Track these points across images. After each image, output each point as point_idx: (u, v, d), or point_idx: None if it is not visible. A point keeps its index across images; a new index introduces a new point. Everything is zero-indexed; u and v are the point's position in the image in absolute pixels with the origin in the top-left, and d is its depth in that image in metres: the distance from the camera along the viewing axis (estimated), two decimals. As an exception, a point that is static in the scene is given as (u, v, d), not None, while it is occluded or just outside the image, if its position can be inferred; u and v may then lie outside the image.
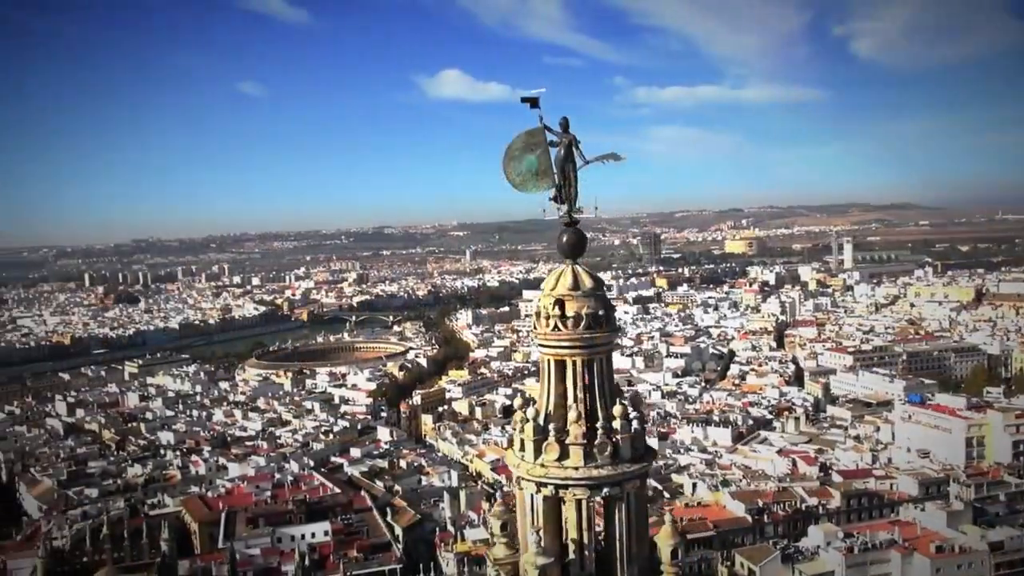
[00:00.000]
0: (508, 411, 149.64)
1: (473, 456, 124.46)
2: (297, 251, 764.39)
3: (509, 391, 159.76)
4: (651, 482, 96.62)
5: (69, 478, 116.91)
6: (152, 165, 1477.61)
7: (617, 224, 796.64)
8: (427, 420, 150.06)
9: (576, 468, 17.64)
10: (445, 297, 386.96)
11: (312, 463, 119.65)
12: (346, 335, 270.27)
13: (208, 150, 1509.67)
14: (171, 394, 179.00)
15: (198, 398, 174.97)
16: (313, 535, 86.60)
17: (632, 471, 17.87)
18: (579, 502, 17.78)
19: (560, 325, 18.46)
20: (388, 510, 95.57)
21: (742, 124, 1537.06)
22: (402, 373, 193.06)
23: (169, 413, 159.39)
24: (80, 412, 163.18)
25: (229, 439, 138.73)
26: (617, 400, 18.58)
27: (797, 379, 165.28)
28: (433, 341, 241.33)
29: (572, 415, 18.13)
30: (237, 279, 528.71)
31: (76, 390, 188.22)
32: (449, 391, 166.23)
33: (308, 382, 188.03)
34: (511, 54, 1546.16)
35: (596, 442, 17.68)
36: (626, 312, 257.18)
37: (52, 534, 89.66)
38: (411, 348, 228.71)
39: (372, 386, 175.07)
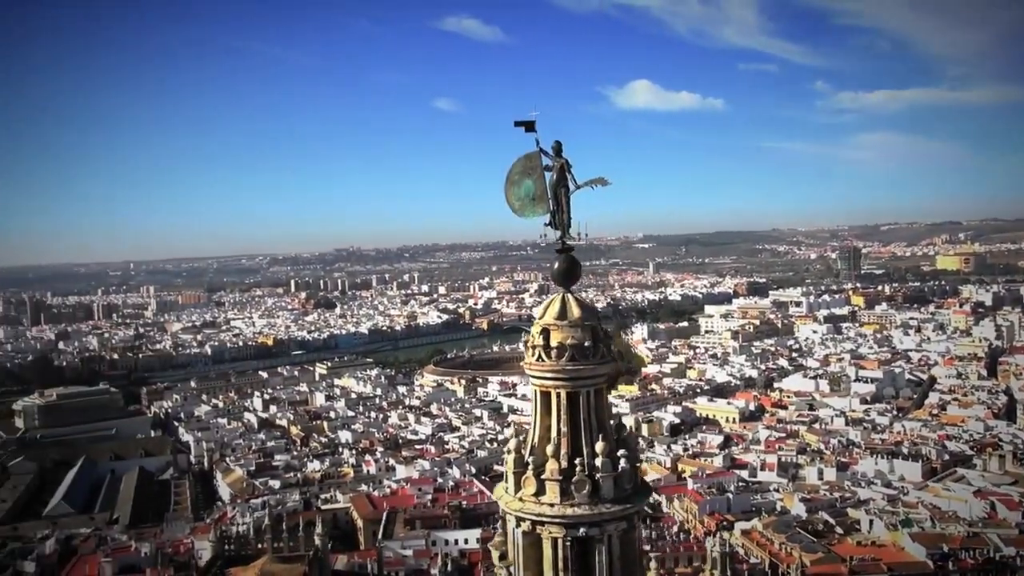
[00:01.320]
0: (676, 430, 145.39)
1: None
2: (483, 261, 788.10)
3: (678, 409, 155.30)
4: (822, 515, 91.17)
5: (257, 469, 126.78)
6: (355, 179, 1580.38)
7: (815, 237, 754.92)
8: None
9: (552, 505, 16.82)
10: (624, 310, 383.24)
11: (474, 470, 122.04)
12: (521, 345, 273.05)
13: (404, 165, 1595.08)
14: (353, 395, 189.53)
15: (377, 400, 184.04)
16: (466, 541, 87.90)
17: (613, 512, 16.66)
18: (555, 540, 16.50)
19: (544, 355, 17.82)
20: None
21: (961, 129, 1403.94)
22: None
23: (350, 413, 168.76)
24: (273, 408, 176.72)
25: (400, 441, 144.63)
26: (600, 436, 17.25)
27: (1008, 413, 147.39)
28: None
29: (550, 449, 17.26)
30: (425, 287, 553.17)
31: (272, 388, 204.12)
32: (616, 406, 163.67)
33: (480, 390, 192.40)
34: (703, 62, 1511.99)
35: (574, 479, 16.77)
36: (814, 331, 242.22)
37: (235, 520, 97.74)
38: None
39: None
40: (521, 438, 18.46)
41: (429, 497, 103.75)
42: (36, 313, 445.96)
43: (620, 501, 16.97)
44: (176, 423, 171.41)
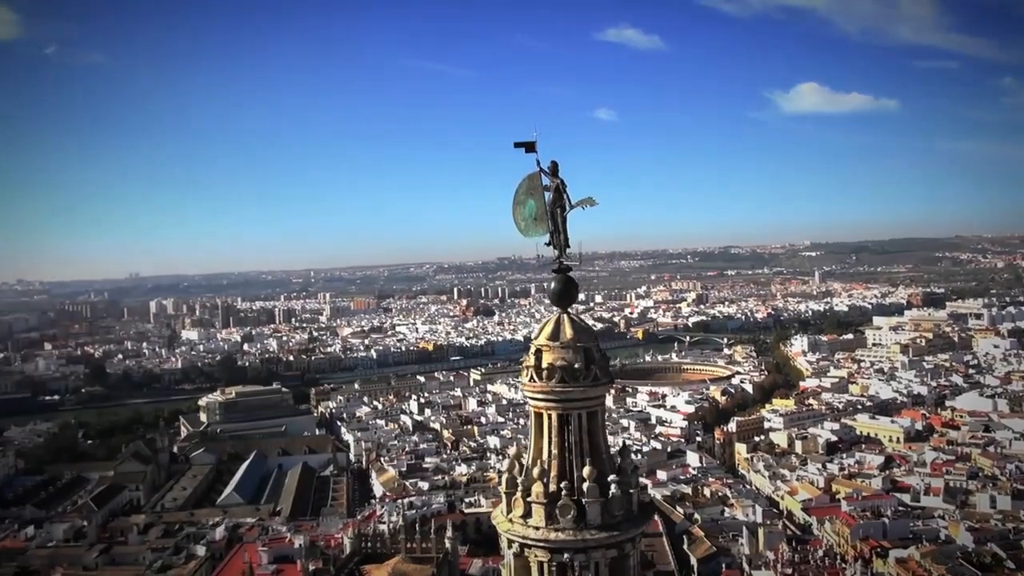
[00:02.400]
0: (832, 447, 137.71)
1: (784, 492, 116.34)
2: (642, 270, 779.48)
3: (836, 426, 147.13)
4: (991, 547, 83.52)
5: (408, 470, 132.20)
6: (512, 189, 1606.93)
7: (1003, 244, 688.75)
8: (741, 449, 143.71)
9: (537, 528, 16.63)
10: (786, 321, 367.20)
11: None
12: (674, 355, 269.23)
13: (564, 174, 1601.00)
14: (504, 401, 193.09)
15: (525, 408, 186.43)
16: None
17: (599, 539, 16.22)
18: (541, 564, 16.43)
19: (536, 376, 17.73)
20: (684, 538, 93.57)
21: None
22: (724, 398, 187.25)
23: (499, 419, 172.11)
24: (428, 412, 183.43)
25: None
26: (589, 460, 16.95)
27: None
28: (762, 366, 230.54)
29: (536, 471, 17.14)
30: (581, 296, 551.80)
31: (428, 392, 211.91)
32: (769, 420, 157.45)
33: (628, 400, 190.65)
34: (874, 62, 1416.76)
35: (559, 503, 16.54)
36: (995, 346, 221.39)
37: (383, 518, 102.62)
38: (738, 372, 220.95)
39: (690, 409, 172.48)
40: (516, 458, 18.41)
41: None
42: (226, 317, 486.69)
43: (608, 528, 16.54)
44: (339, 423, 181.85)
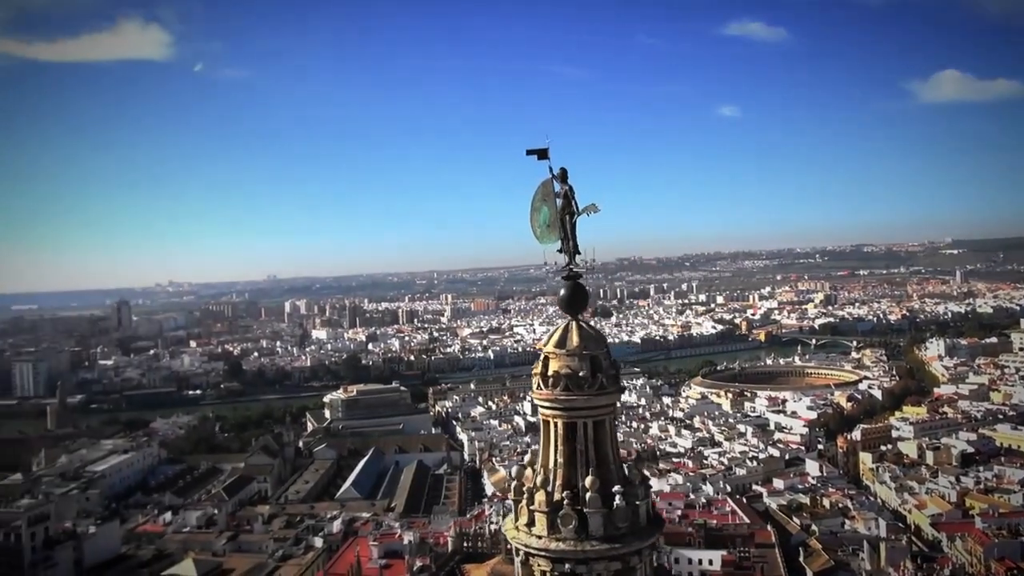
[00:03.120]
0: (968, 459, 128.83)
1: (912, 506, 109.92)
2: (767, 270, 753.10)
3: (973, 436, 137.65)
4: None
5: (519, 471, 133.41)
6: (638, 189, 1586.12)
7: None
8: (866, 459, 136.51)
9: (540, 537, 16.49)
10: (921, 323, 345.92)
11: (729, 488, 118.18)
12: (797, 359, 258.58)
13: (687, 173, 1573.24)
14: (618, 404, 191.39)
15: (640, 411, 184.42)
16: (711, 562, 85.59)
17: (599, 550, 15.92)
18: (543, 573, 16.35)
19: (542, 384, 17.64)
20: (800, 550, 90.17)
21: None
22: (849, 404, 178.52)
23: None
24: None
25: (659, 453, 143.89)
26: (593, 470, 16.70)
27: None
28: (893, 371, 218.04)
29: (539, 479, 17.02)
30: (703, 297, 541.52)
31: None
32: (898, 429, 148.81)
33: (747, 405, 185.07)
34: (1021, 46, 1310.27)
35: (560, 512, 16.36)
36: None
37: (490, 518, 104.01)
38: (866, 377, 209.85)
39: (812, 415, 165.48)
40: (528, 466, 18.45)
41: (679, 512, 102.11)
42: (353, 317, 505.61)
43: (611, 540, 16.17)
44: (454, 422, 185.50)
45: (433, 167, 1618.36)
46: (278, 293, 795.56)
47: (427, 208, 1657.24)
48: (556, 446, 17.68)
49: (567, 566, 16.33)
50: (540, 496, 17.02)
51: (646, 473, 20.10)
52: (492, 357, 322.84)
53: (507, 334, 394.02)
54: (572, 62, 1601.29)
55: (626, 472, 18.12)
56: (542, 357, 18.43)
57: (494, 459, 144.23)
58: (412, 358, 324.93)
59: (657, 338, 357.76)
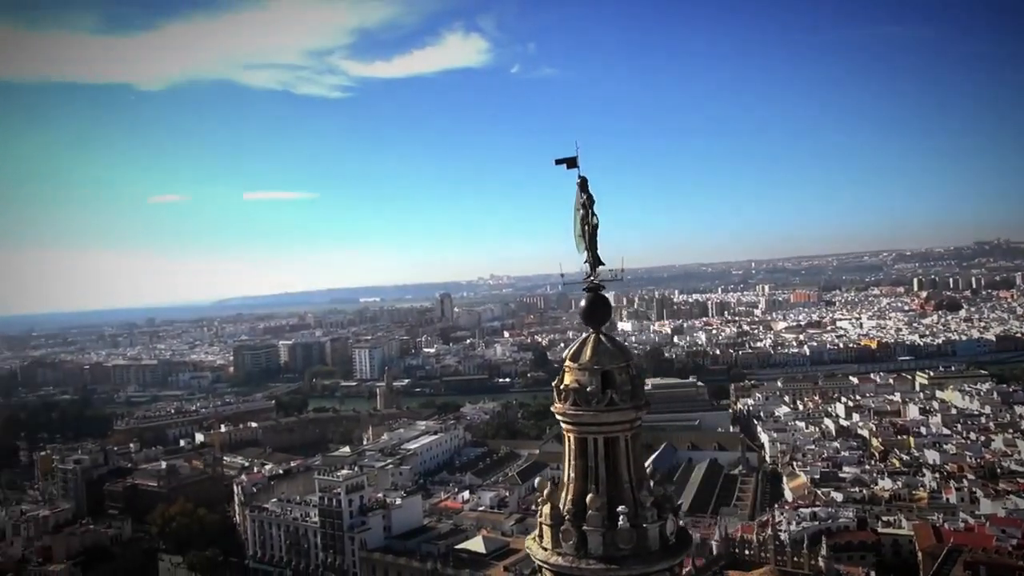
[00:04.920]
0: None
1: None
2: None
3: None
4: None
5: (822, 477, 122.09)
6: (1002, 162, 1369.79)
7: None
8: None
9: (545, 550, 16.66)
10: None
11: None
12: None
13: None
14: (953, 411, 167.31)
15: (983, 420, 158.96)
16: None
17: (596, 570, 15.69)
18: None
19: (558, 396, 17.55)
20: None
21: None
22: None
23: (944, 431, 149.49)
24: (855, 417, 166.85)
25: (999, 471, 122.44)
26: (598, 489, 16.49)
27: None
28: None
29: (546, 492, 17.43)
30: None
31: (860, 395, 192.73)
32: None
33: None
34: None
35: (561, 528, 16.50)
36: None
37: (781, 525, 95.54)
38: None
39: None
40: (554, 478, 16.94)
41: (1014, 542, 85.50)
42: (660, 309, 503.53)
43: (610, 561, 15.81)
44: (755, 421, 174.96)
45: (745, 154, 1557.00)
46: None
47: (743, 196, 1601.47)
48: (570, 460, 17.55)
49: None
50: (546, 509, 17.20)
51: (670, 496, 18.13)
52: (808, 353, 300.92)
53: (828, 328, 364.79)
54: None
55: (637, 493, 17.07)
56: (563, 369, 18.16)
57: (795, 463, 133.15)
58: (718, 352, 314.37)
59: (1017, 335, 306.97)
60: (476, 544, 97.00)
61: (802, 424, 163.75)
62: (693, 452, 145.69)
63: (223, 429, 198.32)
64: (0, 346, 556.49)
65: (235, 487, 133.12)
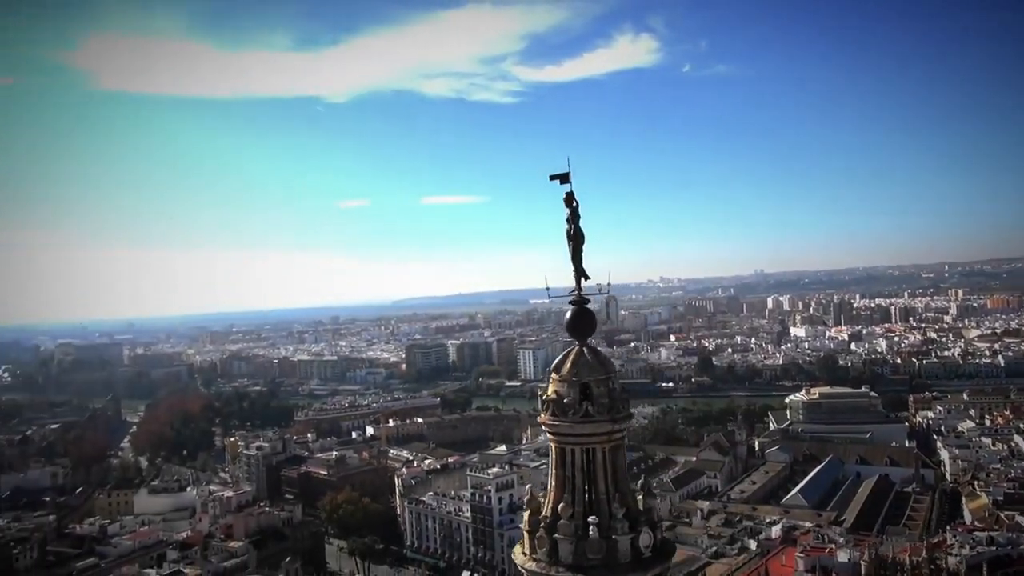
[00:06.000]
0: None
1: None
2: None
3: None
4: None
5: (1006, 499, 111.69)
6: None
7: None
8: None
9: (524, 556, 17.20)
10: None
11: None
12: None
13: None
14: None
15: None
16: None
17: None
18: None
19: (541, 407, 18.05)
20: None
21: None
22: None
23: None
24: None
25: None
26: (570, 499, 17.04)
27: None
28: None
29: (526, 499, 18.09)
30: None
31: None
32: None
33: None
34: None
35: (536, 535, 16.97)
36: None
37: (951, 548, 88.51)
38: None
39: None
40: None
41: None
42: (838, 314, 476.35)
43: (578, 570, 16.15)
44: (935, 436, 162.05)
45: (936, 147, 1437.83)
46: (763, 288, 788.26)
47: (935, 194, 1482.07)
48: (552, 470, 17.93)
49: (539, 588, 16.75)
50: (526, 515, 17.70)
51: (650, 510, 18.05)
52: (1002, 364, 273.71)
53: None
54: None
55: (610, 505, 17.20)
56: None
57: (977, 483, 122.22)
58: (899, 361, 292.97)
59: None
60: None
61: (988, 440, 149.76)
62: (861, 466, 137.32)
63: (391, 423, 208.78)
64: (204, 341, 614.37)
65: (396, 479, 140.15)
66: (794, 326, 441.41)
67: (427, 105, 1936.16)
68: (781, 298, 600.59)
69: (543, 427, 18.15)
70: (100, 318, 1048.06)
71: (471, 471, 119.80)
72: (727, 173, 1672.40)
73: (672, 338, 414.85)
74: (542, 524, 16.95)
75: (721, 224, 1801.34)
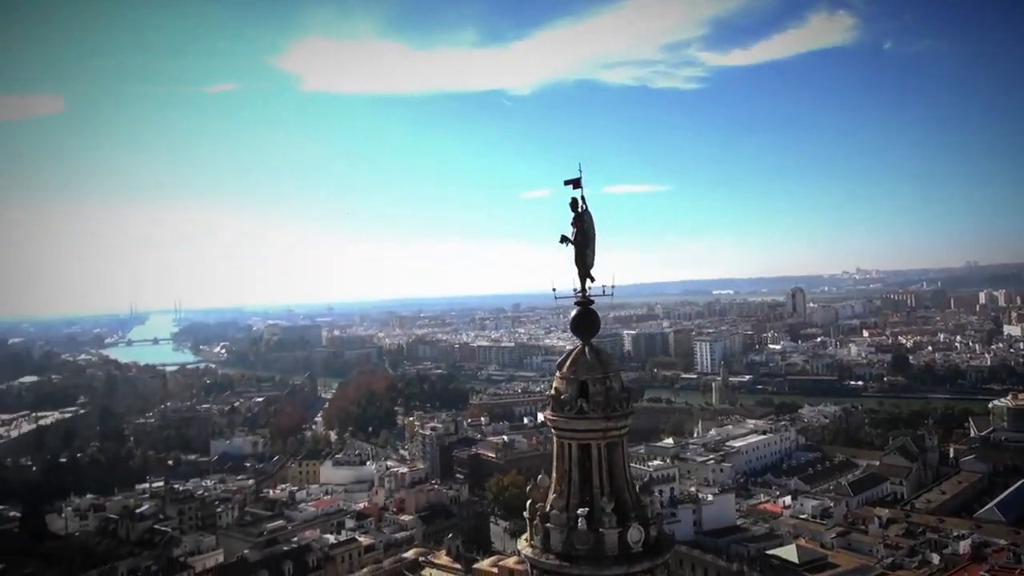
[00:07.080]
0: None
1: None
2: None
3: None
4: None
5: None
6: None
7: None
8: None
9: (525, 542, 17.91)
10: None
11: None
12: None
13: None
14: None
15: None
16: None
17: (552, 565, 16.55)
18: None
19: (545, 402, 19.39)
20: None
21: None
22: None
23: None
24: None
25: None
26: (564, 490, 17.71)
27: None
28: None
29: (528, 488, 19.11)
30: None
31: None
32: None
33: None
34: None
35: (533, 523, 17.64)
36: None
37: None
38: None
39: None
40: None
41: None
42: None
43: (566, 559, 16.57)
44: None
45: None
46: (975, 282, 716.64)
47: None
48: (554, 463, 18.77)
49: (535, 572, 17.44)
50: (528, 504, 18.45)
51: (645, 506, 18.44)
52: None
53: None
54: None
55: (600, 500, 17.76)
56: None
57: None
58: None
59: None
60: (789, 552, 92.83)
61: None
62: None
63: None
64: (394, 324, 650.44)
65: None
66: (1009, 324, 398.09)
67: (609, 94, 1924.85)
68: (995, 293, 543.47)
69: (546, 421, 19.10)
70: (304, 302, 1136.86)
71: (634, 463, 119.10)
72: (935, 154, 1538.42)
73: (864, 333, 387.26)
74: (539, 514, 17.66)
75: (928, 210, 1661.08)
